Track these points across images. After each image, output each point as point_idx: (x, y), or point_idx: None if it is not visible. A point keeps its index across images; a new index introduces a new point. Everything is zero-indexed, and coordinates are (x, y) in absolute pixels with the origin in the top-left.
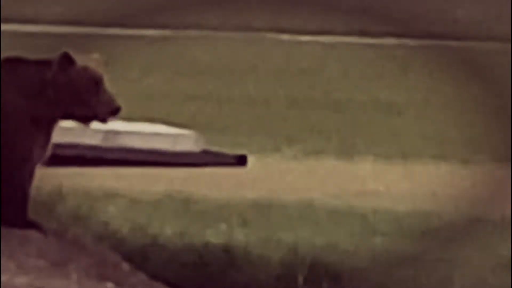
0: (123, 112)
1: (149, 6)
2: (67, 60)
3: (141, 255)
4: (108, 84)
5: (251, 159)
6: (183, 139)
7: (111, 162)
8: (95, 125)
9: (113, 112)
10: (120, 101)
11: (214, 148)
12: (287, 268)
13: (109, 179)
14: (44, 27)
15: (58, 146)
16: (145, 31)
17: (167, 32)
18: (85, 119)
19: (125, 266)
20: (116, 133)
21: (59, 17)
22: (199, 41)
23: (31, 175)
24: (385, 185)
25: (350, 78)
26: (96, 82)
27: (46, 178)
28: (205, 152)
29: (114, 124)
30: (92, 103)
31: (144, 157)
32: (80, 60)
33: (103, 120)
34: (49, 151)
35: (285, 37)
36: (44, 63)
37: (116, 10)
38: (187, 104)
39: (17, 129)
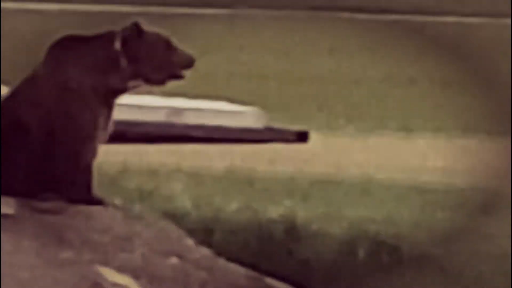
0: (186, 89)
1: None
2: (138, 28)
3: (205, 230)
4: None
5: (312, 136)
6: (245, 116)
7: (175, 139)
8: (159, 102)
9: (189, 64)
10: (184, 79)
11: (276, 125)
12: (348, 242)
13: (173, 155)
14: (84, 6)
15: (122, 123)
16: (207, 10)
17: (231, 11)
18: (162, 80)
19: (189, 241)
20: (179, 110)
21: None
22: (262, 20)
23: (95, 151)
24: (444, 160)
25: (408, 56)
26: (167, 43)
27: (111, 155)
28: (267, 129)
29: (177, 101)
30: (168, 64)
31: (207, 133)
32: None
33: (180, 76)
34: (111, 128)
35: (345, 15)
36: (103, 37)
37: None
38: (250, 82)
39: (85, 105)
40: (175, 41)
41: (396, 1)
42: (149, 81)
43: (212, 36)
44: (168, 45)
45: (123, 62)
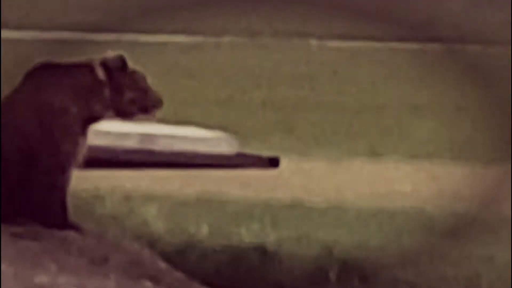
0: (158, 115)
1: (174, 12)
2: (123, 61)
3: (178, 254)
4: None
5: (283, 161)
6: (217, 142)
7: (147, 164)
8: (131, 128)
9: (158, 104)
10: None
11: (247, 151)
12: (319, 266)
13: (146, 180)
14: (41, 34)
15: (96, 149)
16: (174, 37)
17: (197, 38)
18: (133, 115)
19: (162, 265)
20: (152, 136)
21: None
22: (229, 47)
23: (69, 177)
24: (413, 185)
25: (376, 82)
26: (144, 79)
27: (85, 180)
28: (238, 155)
29: (149, 127)
30: (143, 101)
31: (179, 159)
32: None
33: (151, 113)
34: (85, 153)
35: (313, 42)
36: (84, 66)
37: (138, 14)
38: (220, 108)
39: (66, 130)
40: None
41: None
42: (120, 113)
43: (183, 63)
44: (144, 82)
45: (106, 91)
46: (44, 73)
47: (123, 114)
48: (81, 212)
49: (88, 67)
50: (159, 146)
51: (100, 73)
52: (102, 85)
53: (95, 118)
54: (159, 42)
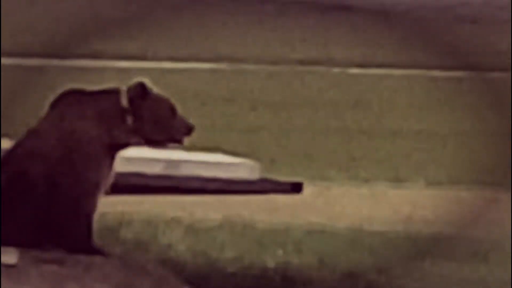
0: (184, 142)
1: (203, 40)
2: (144, 88)
3: (201, 279)
4: None
5: (306, 187)
6: (240, 168)
7: (172, 190)
8: (157, 154)
9: (189, 131)
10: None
11: (271, 176)
12: None
13: (171, 206)
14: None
15: (122, 175)
16: (203, 64)
17: (222, 66)
18: (162, 142)
19: None
20: (177, 162)
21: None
22: (254, 74)
23: (96, 203)
24: (434, 210)
25: (398, 108)
26: (171, 107)
27: (111, 206)
28: (262, 180)
29: (175, 154)
30: (169, 128)
31: (203, 185)
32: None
33: (180, 141)
34: (111, 179)
35: (336, 69)
36: (109, 93)
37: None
38: (244, 134)
39: (90, 157)
40: (176, 105)
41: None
42: (149, 141)
43: (208, 90)
44: (171, 110)
45: (129, 119)
46: (69, 100)
47: (150, 141)
48: (107, 237)
49: (112, 95)
50: (184, 172)
51: (124, 101)
52: (124, 112)
53: (120, 145)
54: (188, 69)
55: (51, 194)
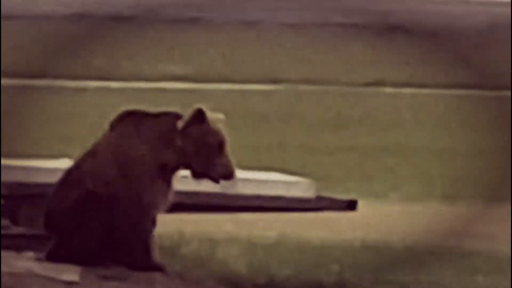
0: (241, 161)
1: (258, 62)
2: (201, 115)
3: None
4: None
5: (360, 204)
6: (296, 186)
7: (230, 208)
8: None
9: (227, 177)
10: (238, 151)
11: (326, 194)
12: None
13: (228, 224)
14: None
15: (180, 193)
16: (259, 85)
17: (277, 86)
18: (200, 175)
19: None
20: (236, 180)
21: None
22: (308, 94)
23: (154, 220)
24: (487, 226)
25: (449, 127)
26: (220, 145)
27: (170, 224)
28: (317, 198)
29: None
30: (211, 163)
31: (260, 203)
32: (210, 117)
33: (216, 181)
34: (171, 198)
35: (389, 90)
36: (169, 115)
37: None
38: (300, 153)
39: (144, 177)
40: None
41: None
42: (191, 169)
43: (264, 110)
44: (220, 148)
45: (178, 140)
46: (126, 121)
47: (191, 168)
48: (166, 255)
49: (171, 118)
50: (241, 190)
51: (179, 123)
52: (176, 134)
53: (172, 167)
54: (241, 90)
55: (112, 213)
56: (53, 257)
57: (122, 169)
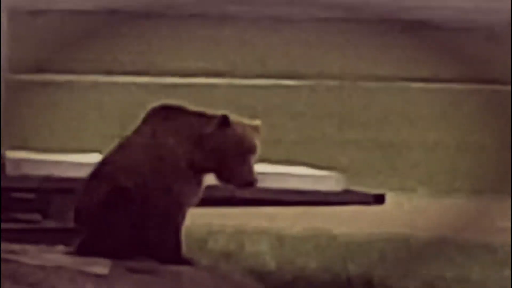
0: (270, 155)
1: (289, 58)
2: (224, 121)
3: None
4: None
5: (388, 198)
6: (324, 180)
7: (258, 202)
8: None
9: (247, 185)
10: (267, 145)
11: (354, 188)
12: None
13: (257, 217)
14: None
15: (208, 187)
16: (289, 81)
17: (306, 82)
18: (224, 180)
19: None
20: (263, 174)
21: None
22: (337, 89)
23: (184, 215)
24: None
25: (477, 122)
26: (243, 152)
27: (198, 217)
28: (345, 192)
29: (261, 167)
30: (232, 171)
31: (289, 196)
32: (240, 124)
33: (237, 187)
34: (201, 194)
35: (416, 85)
36: (202, 116)
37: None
38: (328, 148)
39: (175, 173)
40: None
41: (460, 69)
42: (215, 173)
43: (294, 105)
44: (243, 155)
45: (206, 145)
46: (160, 116)
47: (215, 173)
48: (195, 248)
49: (206, 118)
50: (270, 184)
51: (210, 127)
52: (204, 137)
53: (200, 168)
54: (271, 85)
55: (143, 206)
56: (83, 250)
57: (153, 164)
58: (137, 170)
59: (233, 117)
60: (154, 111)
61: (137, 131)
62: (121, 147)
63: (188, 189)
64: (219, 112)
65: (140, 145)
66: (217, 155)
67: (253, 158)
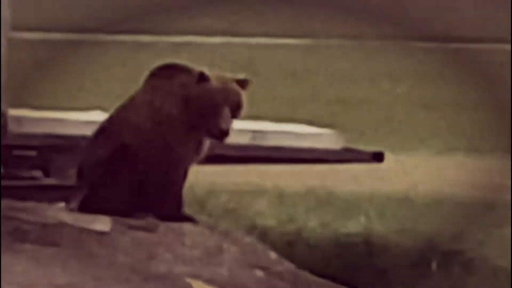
0: (269, 113)
1: (290, 16)
2: (202, 77)
3: (287, 245)
4: (257, 91)
5: (387, 156)
6: (324, 138)
7: (259, 160)
8: (244, 125)
9: (220, 135)
10: (267, 103)
11: (353, 146)
12: (421, 255)
13: (257, 176)
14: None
15: (209, 146)
16: (289, 40)
17: (306, 41)
18: (205, 134)
19: (273, 255)
20: (264, 132)
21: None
22: (335, 48)
23: (185, 172)
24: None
25: (476, 82)
26: (220, 104)
27: (199, 175)
28: (345, 150)
29: (261, 125)
30: (208, 121)
31: (289, 154)
32: (221, 78)
33: (212, 138)
34: (203, 153)
35: (416, 44)
36: (194, 74)
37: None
38: (329, 107)
39: (176, 131)
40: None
41: (457, 30)
42: (203, 130)
43: (293, 63)
44: (223, 104)
45: (191, 102)
46: (163, 75)
47: (203, 130)
48: (196, 206)
49: (194, 76)
50: (270, 142)
51: (191, 83)
52: (189, 95)
53: (193, 126)
54: (271, 44)
55: (145, 164)
56: (84, 208)
57: (154, 123)
58: (139, 128)
59: (216, 73)
60: (157, 70)
61: (140, 90)
62: (125, 106)
63: (187, 148)
64: (221, 72)
65: (143, 103)
66: (197, 110)
67: (236, 112)
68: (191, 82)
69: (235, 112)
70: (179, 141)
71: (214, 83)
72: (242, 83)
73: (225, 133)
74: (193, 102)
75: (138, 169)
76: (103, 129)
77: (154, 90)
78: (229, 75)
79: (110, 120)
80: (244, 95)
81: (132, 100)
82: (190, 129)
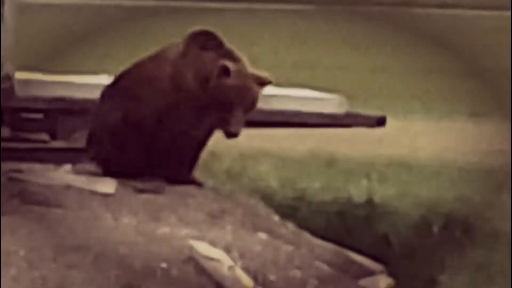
0: (273, 78)
1: None
2: (223, 70)
3: (290, 208)
4: (260, 58)
5: (390, 121)
6: (327, 102)
7: (262, 124)
8: None
9: (230, 136)
10: (270, 69)
11: (356, 111)
12: (422, 219)
13: (260, 139)
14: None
15: None
16: (294, 5)
17: (309, 7)
18: (218, 126)
19: (276, 217)
20: (267, 96)
21: None
22: (341, 15)
23: (198, 139)
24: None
25: (477, 48)
26: (237, 103)
27: None
28: (348, 114)
29: (266, 89)
30: (223, 117)
31: (292, 118)
32: (242, 73)
33: (223, 133)
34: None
35: (418, 10)
36: (220, 53)
37: None
38: (331, 72)
39: (187, 105)
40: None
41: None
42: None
43: (297, 31)
44: (231, 106)
45: (209, 90)
46: (197, 42)
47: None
48: (200, 169)
49: (223, 54)
50: (274, 106)
51: (227, 84)
52: (208, 84)
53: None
54: (273, 9)
55: (156, 130)
56: (95, 170)
57: (175, 94)
58: (156, 93)
59: (239, 67)
60: (193, 35)
61: (170, 49)
62: (151, 58)
63: (199, 122)
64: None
65: (166, 67)
66: (213, 100)
67: (249, 110)
68: (215, 66)
69: (248, 110)
70: (192, 111)
71: (233, 79)
72: (262, 82)
73: (233, 135)
74: (210, 91)
75: (150, 134)
76: (112, 93)
77: (181, 58)
78: (250, 69)
79: (124, 78)
80: (260, 93)
81: (156, 58)
82: (203, 108)
